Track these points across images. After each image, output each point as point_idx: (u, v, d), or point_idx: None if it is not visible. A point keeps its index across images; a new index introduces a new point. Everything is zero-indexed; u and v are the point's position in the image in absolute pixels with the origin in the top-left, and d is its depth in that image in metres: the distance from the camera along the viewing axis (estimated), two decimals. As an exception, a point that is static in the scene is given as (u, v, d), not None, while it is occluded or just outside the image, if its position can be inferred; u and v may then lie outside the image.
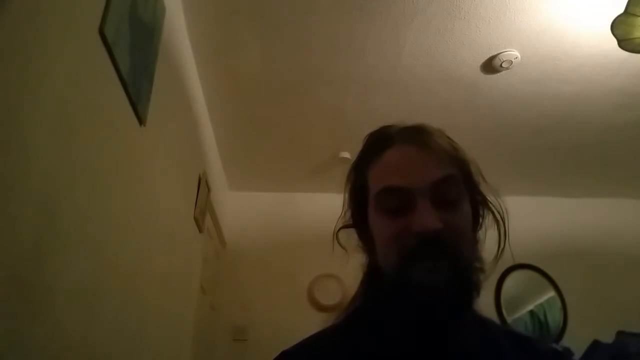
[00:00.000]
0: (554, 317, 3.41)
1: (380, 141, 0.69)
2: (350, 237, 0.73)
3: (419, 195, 0.61)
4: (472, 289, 0.61)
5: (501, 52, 2.32)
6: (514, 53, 2.32)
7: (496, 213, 0.69)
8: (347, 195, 0.73)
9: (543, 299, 3.45)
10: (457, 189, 0.64)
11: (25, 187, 0.97)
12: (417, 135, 0.67)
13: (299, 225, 3.68)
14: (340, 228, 0.74)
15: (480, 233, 0.68)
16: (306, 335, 0.70)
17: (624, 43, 1.92)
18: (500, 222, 0.69)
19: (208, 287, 2.99)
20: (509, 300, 3.40)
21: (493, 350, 0.64)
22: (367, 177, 0.68)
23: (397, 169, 0.65)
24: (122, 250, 1.50)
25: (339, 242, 0.74)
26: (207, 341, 3.03)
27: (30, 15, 0.96)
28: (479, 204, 0.68)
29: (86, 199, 1.23)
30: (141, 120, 1.58)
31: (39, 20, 1.00)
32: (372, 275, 0.69)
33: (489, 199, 0.69)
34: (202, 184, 2.62)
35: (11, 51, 0.90)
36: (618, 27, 1.87)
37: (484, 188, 0.69)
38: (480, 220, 0.68)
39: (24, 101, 0.95)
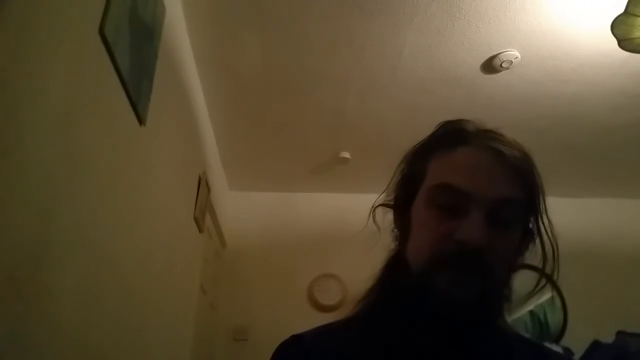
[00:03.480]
0: (554, 317, 3.41)
1: (454, 135, 0.65)
2: (385, 217, 0.71)
3: (475, 205, 0.58)
4: (494, 312, 0.60)
5: (501, 52, 2.32)
6: (514, 53, 2.32)
7: (547, 250, 0.65)
8: (398, 175, 0.70)
9: (543, 299, 3.45)
10: (516, 215, 0.61)
11: (25, 187, 0.97)
12: (497, 144, 0.62)
13: (299, 225, 3.68)
14: (380, 205, 0.71)
15: (519, 261, 0.65)
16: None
17: (624, 43, 1.91)
18: (549, 261, 0.66)
19: (208, 287, 2.99)
20: (509, 300, 3.40)
21: (505, 354, 0.63)
22: (428, 166, 0.65)
23: (464, 170, 0.61)
24: (122, 250, 1.50)
25: (374, 219, 0.71)
26: (207, 341, 3.03)
27: (30, 15, 0.96)
28: (532, 236, 0.65)
29: (86, 199, 1.23)
30: (141, 120, 1.58)
31: (39, 20, 1.00)
32: (395, 265, 0.67)
33: (544, 235, 0.65)
34: (202, 184, 2.62)
35: (11, 51, 0.90)
36: (618, 27, 1.87)
37: (543, 220, 0.65)
38: (525, 251, 0.65)
39: (24, 101, 0.95)
